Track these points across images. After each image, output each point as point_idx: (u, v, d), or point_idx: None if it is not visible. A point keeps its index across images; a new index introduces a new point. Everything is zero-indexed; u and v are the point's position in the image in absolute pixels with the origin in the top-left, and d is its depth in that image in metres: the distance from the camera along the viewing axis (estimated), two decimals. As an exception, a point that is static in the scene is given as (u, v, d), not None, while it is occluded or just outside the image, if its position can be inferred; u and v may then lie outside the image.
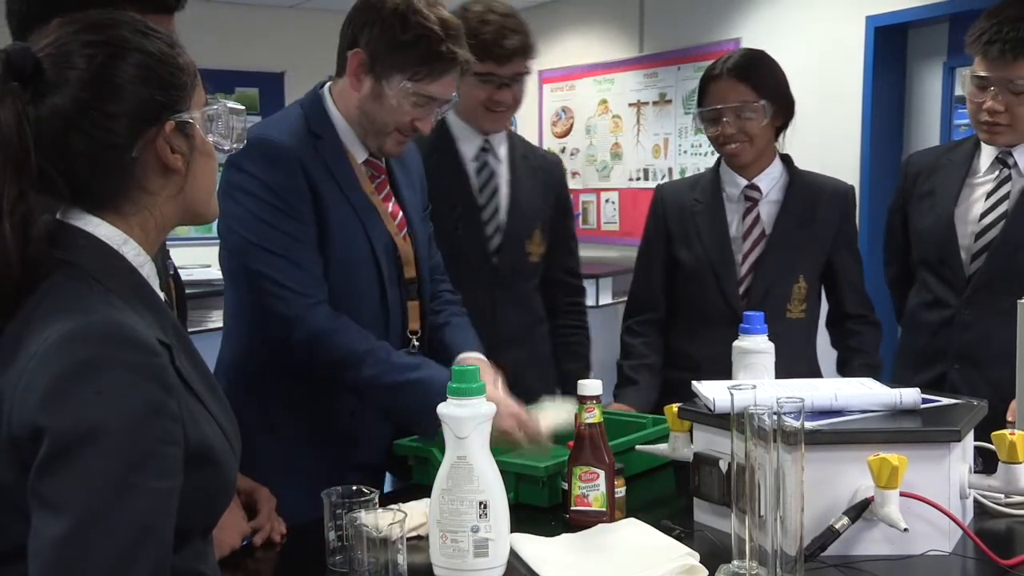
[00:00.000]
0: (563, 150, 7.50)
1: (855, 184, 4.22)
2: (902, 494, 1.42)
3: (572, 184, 7.38)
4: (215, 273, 4.24)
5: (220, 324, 3.80)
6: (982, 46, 2.19)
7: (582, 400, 1.62)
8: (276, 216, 1.81)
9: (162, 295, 1.19)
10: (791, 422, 1.30)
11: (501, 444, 1.68)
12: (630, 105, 6.83)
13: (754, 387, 1.40)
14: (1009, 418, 1.92)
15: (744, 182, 2.34)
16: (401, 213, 2.00)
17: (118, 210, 1.13)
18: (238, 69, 7.15)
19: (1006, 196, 2.26)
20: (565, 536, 1.56)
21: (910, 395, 1.58)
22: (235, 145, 1.23)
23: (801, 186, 2.35)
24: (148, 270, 1.15)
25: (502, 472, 1.43)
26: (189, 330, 1.64)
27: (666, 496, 1.84)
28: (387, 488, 2.06)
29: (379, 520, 1.34)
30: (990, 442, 1.57)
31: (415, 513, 1.54)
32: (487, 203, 2.40)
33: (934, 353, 2.32)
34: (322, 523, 1.48)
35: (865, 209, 4.86)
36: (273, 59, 7.29)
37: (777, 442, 1.29)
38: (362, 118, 1.90)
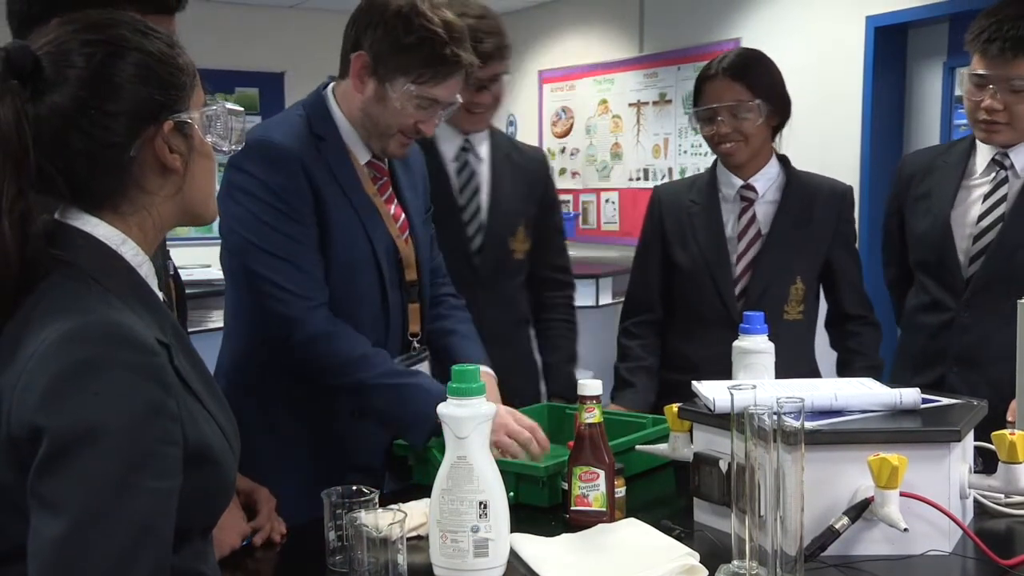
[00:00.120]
0: (563, 150, 7.50)
1: (855, 184, 4.22)
2: (902, 494, 1.42)
3: (572, 184, 7.40)
4: (215, 273, 4.24)
5: (220, 324, 3.80)
6: (981, 44, 2.19)
7: (582, 400, 1.62)
8: (277, 218, 1.81)
9: (161, 295, 1.19)
10: (791, 422, 1.30)
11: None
12: (630, 105, 6.83)
13: (754, 387, 1.40)
14: (1009, 418, 1.92)
15: (740, 182, 2.34)
16: (403, 215, 2.00)
17: (116, 210, 1.13)
18: (238, 69, 7.15)
19: (1003, 198, 2.25)
20: (565, 536, 1.56)
21: (910, 395, 1.58)
22: (234, 146, 1.23)
23: (798, 186, 2.35)
24: (146, 270, 1.15)
25: (502, 472, 1.43)
26: (189, 330, 1.65)
27: (666, 496, 1.84)
28: (386, 488, 2.06)
29: (379, 520, 1.34)
30: (990, 442, 1.57)
31: (415, 513, 1.54)
32: (468, 203, 2.40)
33: (933, 355, 2.31)
34: (322, 523, 1.48)
35: (865, 209, 4.86)
36: (273, 59, 7.29)
37: (777, 442, 1.29)
38: (365, 120, 1.89)
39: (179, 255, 1.94)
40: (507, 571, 1.42)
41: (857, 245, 2.46)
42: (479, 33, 2.21)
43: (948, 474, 1.49)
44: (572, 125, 7.40)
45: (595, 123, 7.17)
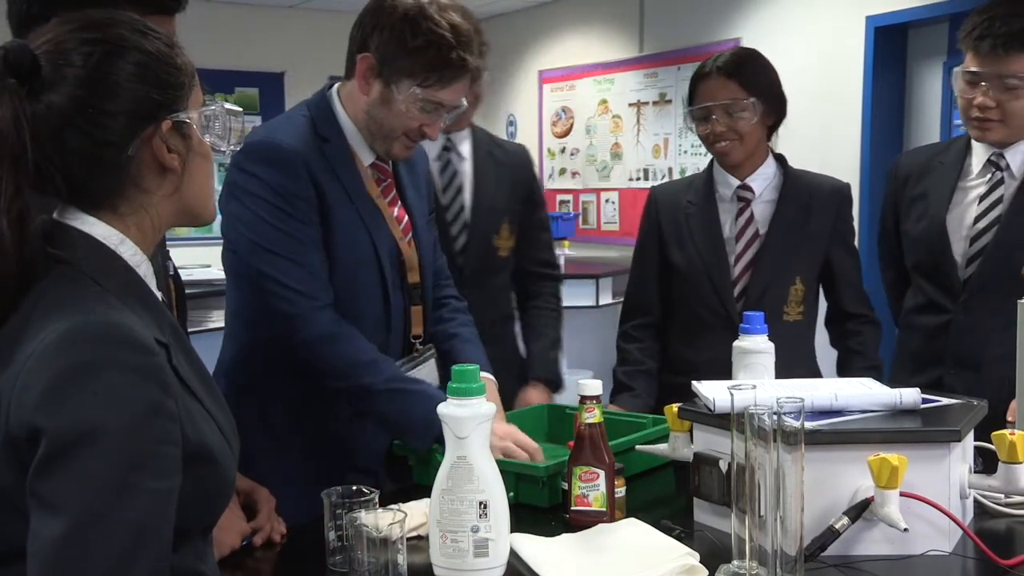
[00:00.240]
0: (563, 150, 7.51)
1: (855, 184, 4.22)
2: (902, 494, 1.42)
3: (572, 184, 7.40)
4: (215, 273, 4.24)
5: (220, 324, 3.81)
6: (973, 41, 2.18)
7: (582, 400, 1.62)
8: (281, 218, 1.81)
9: (160, 295, 1.19)
10: (791, 422, 1.29)
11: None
12: (630, 105, 6.83)
13: (754, 387, 1.40)
14: (1009, 418, 1.92)
15: (737, 182, 2.33)
16: (406, 217, 2.00)
17: (115, 209, 1.13)
18: (238, 69, 7.16)
19: (999, 200, 2.24)
20: (565, 536, 1.55)
21: (910, 395, 1.58)
22: (232, 147, 1.23)
23: (795, 185, 2.33)
24: (145, 269, 1.15)
25: (502, 472, 1.43)
26: (189, 330, 1.65)
27: (666, 496, 1.84)
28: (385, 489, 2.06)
29: (379, 520, 1.34)
30: (990, 442, 1.56)
31: (415, 513, 1.54)
32: (451, 202, 2.40)
33: (930, 357, 2.30)
34: (322, 523, 1.48)
35: (865, 209, 4.87)
36: (273, 59, 7.30)
37: (777, 442, 1.29)
38: (370, 122, 1.89)
39: (179, 255, 1.94)
40: (507, 571, 1.42)
41: (857, 244, 2.45)
42: None
43: (948, 474, 1.49)
44: (572, 125, 7.40)
45: (595, 123, 7.17)
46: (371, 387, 1.81)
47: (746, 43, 5.54)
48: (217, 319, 3.89)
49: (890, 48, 5.10)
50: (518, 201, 2.55)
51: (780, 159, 2.37)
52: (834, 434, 1.49)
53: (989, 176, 2.27)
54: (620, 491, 1.64)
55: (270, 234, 1.81)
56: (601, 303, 5.07)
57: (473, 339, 2.11)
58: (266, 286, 1.81)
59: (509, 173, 2.55)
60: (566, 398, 2.58)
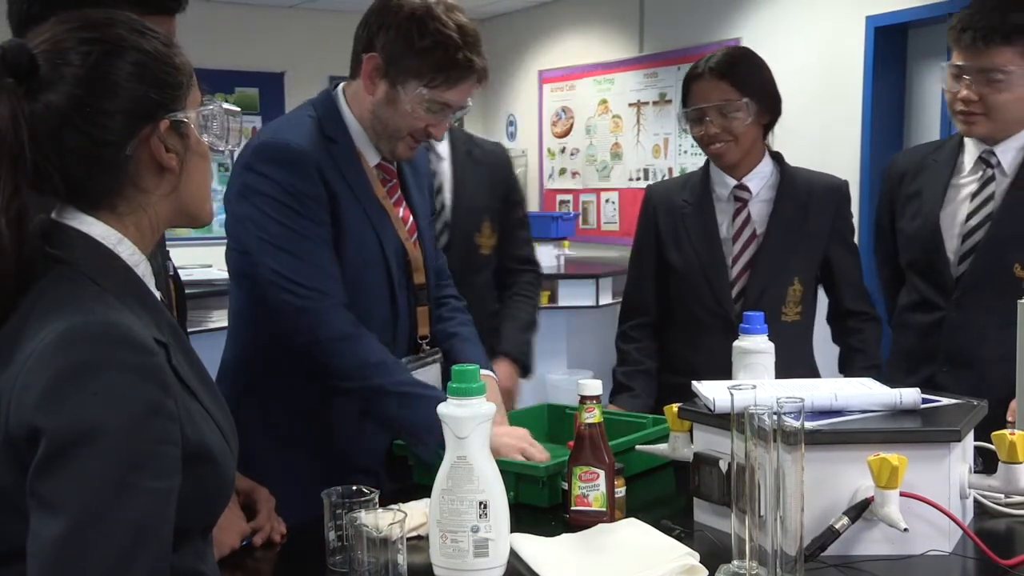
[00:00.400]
0: (563, 150, 7.51)
1: (855, 184, 4.23)
2: (902, 494, 1.42)
3: (572, 184, 7.41)
4: (215, 273, 4.25)
5: (220, 324, 3.81)
6: (956, 35, 2.21)
7: (582, 400, 1.62)
8: (292, 218, 1.80)
9: (159, 294, 1.19)
10: (791, 422, 1.29)
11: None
12: (630, 105, 6.84)
13: (754, 387, 1.40)
14: (1009, 418, 1.92)
15: (733, 182, 2.32)
16: (411, 218, 2.00)
17: (113, 209, 1.13)
18: (238, 69, 7.16)
19: (990, 197, 2.25)
20: (565, 536, 1.55)
21: (910, 395, 1.58)
22: (231, 146, 1.23)
23: (793, 184, 2.32)
24: (143, 269, 1.15)
25: (502, 472, 1.43)
26: (189, 330, 1.65)
27: (666, 496, 1.84)
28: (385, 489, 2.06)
29: (379, 520, 1.34)
30: (990, 442, 1.56)
31: (415, 513, 1.54)
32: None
33: (923, 355, 2.31)
34: (322, 523, 1.48)
35: (865, 209, 4.86)
36: (273, 59, 7.30)
37: (777, 442, 1.29)
38: (375, 122, 1.88)
39: (179, 255, 1.93)
40: (507, 571, 1.42)
41: (857, 242, 2.45)
42: None
43: (948, 474, 1.49)
44: (572, 125, 7.40)
45: (595, 123, 7.17)
46: (382, 388, 1.80)
47: (746, 43, 5.54)
48: (217, 319, 3.89)
49: (890, 48, 5.09)
50: (498, 199, 2.58)
51: (777, 157, 2.36)
52: (834, 434, 1.48)
53: (980, 173, 2.27)
54: (620, 491, 1.64)
55: (282, 233, 1.80)
56: (601, 303, 5.07)
57: (472, 338, 2.11)
58: (278, 284, 1.80)
59: (488, 172, 2.57)
60: (566, 398, 2.59)
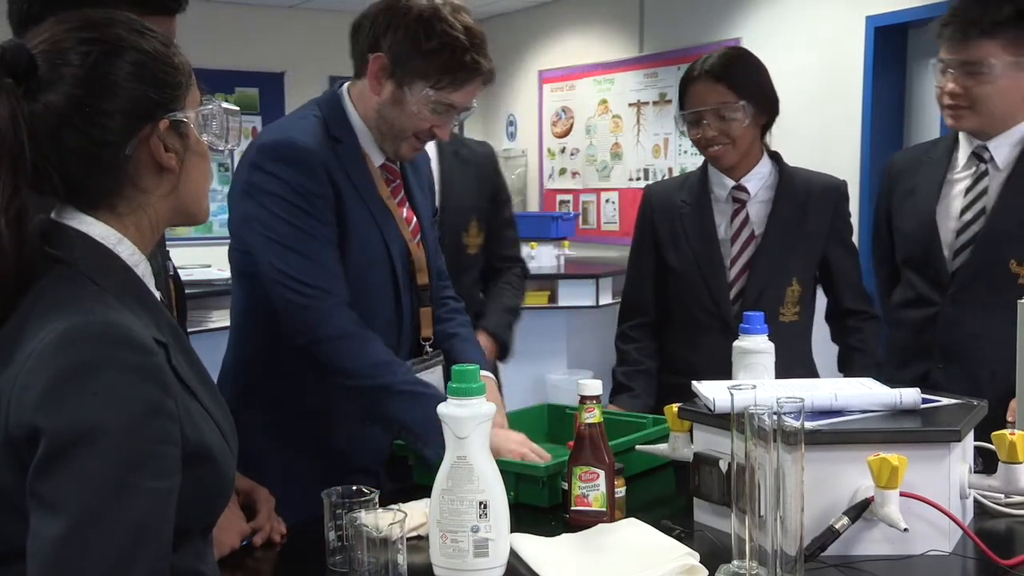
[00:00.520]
0: (563, 150, 7.51)
1: (854, 184, 4.23)
2: (902, 494, 1.42)
3: (572, 184, 7.41)
4: (215, 273, 4.24)
5: (220, 324, 3.80)
6: (940, 29, 2.23)
7: (582, 400, 1.62)
8: (300, 217, 1.80)
9: (159, 294, 1.19)
10: (791, 422, 1.29)
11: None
12: (630, 105, 6.84)
13: (754, 387, 1.40)
14: (1009, 418, 1.92)
15: (731, 183, 2.31)
16: (415, 219, 2.00)
17: (113, 209, 1.13)
18: (238, 69, 7.16)
19: (984, 191, 2.26)
20: (565, 536, 1.55)
21: (910, 395, 1.58)
22: (230, 146, 1.23)
23: (791, 184, 2.32)
24: (143, 269, 1.15)
25: (502, 472, 1.43)
26: (189, 330, 1.65)
27: (666, 496, 1.84)
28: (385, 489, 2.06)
29: (379, 520, 1.34)
30: (990, 442, 1.57)
31: (415, 513, 1.54)
32: None
33: (918, 351, 2.31)
34: (322, 523, 1.48)
35: (865, 210, 4.86)
36: (273, 59, 7.30)
37: (777, 442, 1.29)
38: (380, 122, 1.88)
39: (179, 255, 1.93)
40: (507, 571, 1.42)
41: (856, 243, 2.45)
42: None
43: (948, 474, 1.49)
44: (572, 125, 7.40)
45: (595, 123, 7.17)
46: (389, 387, 1.80)
47: (746, 43, 5.54)
48: (217, 319, 3.89)
49: (890, 48, 5.09)
50: (485, 199, 2.60)
51: (775, 157, 2.36)
52: (834, 434, 1.48)
53: (974, 169, 2.29)
54: (620, 491, 1.64)
55: (289, 232, 1.80)
56: (601, 303, 5.07)
57: (472, 339, 2.12)
58: (283, 283, 1.80)
59: (475, 171, 2.59)
60: (566, 398, 2.59)
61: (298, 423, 1.93)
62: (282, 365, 1.90)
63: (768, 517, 1.29)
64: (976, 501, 1.63)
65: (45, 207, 1.13)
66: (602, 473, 1.61)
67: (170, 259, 1.71)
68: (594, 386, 1.63)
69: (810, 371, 2.34)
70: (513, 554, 1.45)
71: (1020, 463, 1.50)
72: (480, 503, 1.38)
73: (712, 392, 1.60)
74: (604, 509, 1.61)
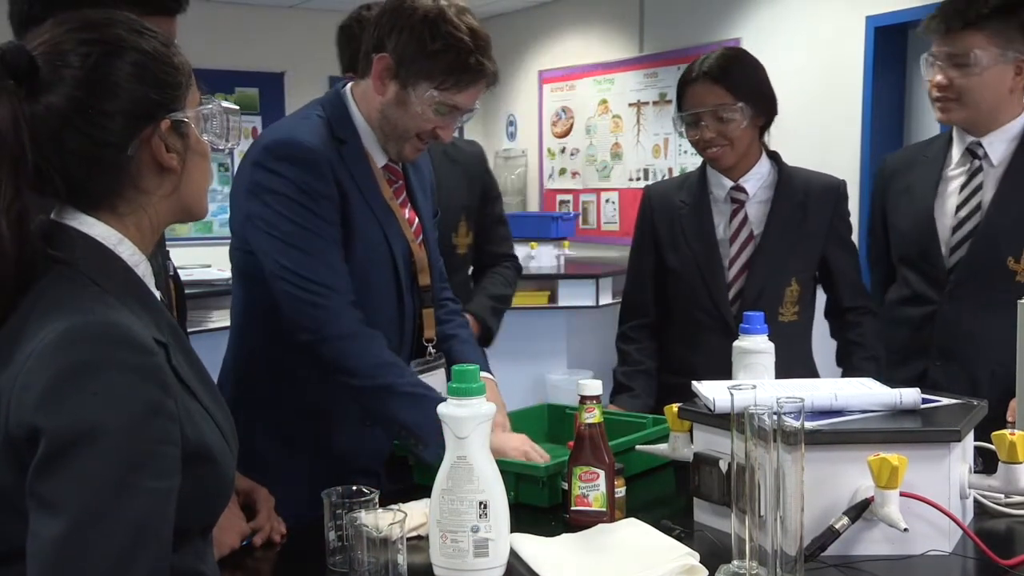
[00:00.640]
0: (563, 150, 7.51)
1: (854, 184, 4.23)
2: (902, 494, 1.42)
3: (572, 184, 7.41)
4: (215, 273, 4.24)
5: (220, 324, 3.80)
6: (928, 22, 2.25)
7: (582, 400, 1.62)
8: (306, 216, 1.80)
9: (159, 294, 1.19)
10: (791, 422, 1.29)
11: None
12: (630, 105, 6.84)
13: (754, 387, 1.40)
14: (1009, 418, 1.92)
15: (730, 183, 2.31)
16: (417, 220, 2.00)
17: (114, 209, 1.13)
18: (238, 69, 7.16)
19: (979, 188, 2.26)
20: (565, 536, 1.55)
21: (910, 395, 1.58)
22: (230, 145, 1.23)
23: (790, 184, 2.32)
24: (143, 269, 1.15)
25: (502, 472, 1.43)
26: (189, 330, 1.65)
27: (666, 496, 1.84)
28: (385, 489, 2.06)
29: (379, 520, 1.34)
30: (990, 442, 1.57)
31: (415, 513, 1.54)
32: None
33: (916, 349, 2.31)
34: (322, 523, 1.48)
35: (865, 210, 4.85)
36: (273, 59, 7.30)
37: (777, 442, 1.29)
38: (383, 122, 1.88)
39: (179, 255, 1.93)
40: (507, 571, 1.42)
41: (856, 242, 2.45)
42: None
43: (948, 474, 1.49)
44: (572, 125, 7.40)
45: (595, 123, 7.17)
46: (391, 387, 1.79)
47: (746, 43, 5.54)
48: (217, 319, 3.88)
49: (890, 48, 5.09)
50: (475, 197, 2.60)
51: (774, 157, 2.36)
52: (834, 434, 1.49)
53: (968, 166, 2.30)
54: (620, 491, 1.64)
55: (295, 231, 1.80)
56: (601, 303, 5.06)
57: (471, 340, 2.12)
58: (288, 280, 1.80)
59: (464, 170, 2.60)
60: (566, 398, 2.59)
61: (298, 423, 1.93)
62: (282, 365, 1.90)
63: (768, 517, 1.29)
64: (976, 501, 1.63)
65: (45, 207, 1.13)
66: (602, 473, 1.61)
67: (170, 259, 1.71)
68: (594, 386, 1.63)
69: (810, 371, 2.34)
70: (513, 554, 1.45)
71: (1020, 463, 1.50)
72: (480, 503, 1.38)
73: (712, 392, 1.60)
74: (604, 509, 1.61)
